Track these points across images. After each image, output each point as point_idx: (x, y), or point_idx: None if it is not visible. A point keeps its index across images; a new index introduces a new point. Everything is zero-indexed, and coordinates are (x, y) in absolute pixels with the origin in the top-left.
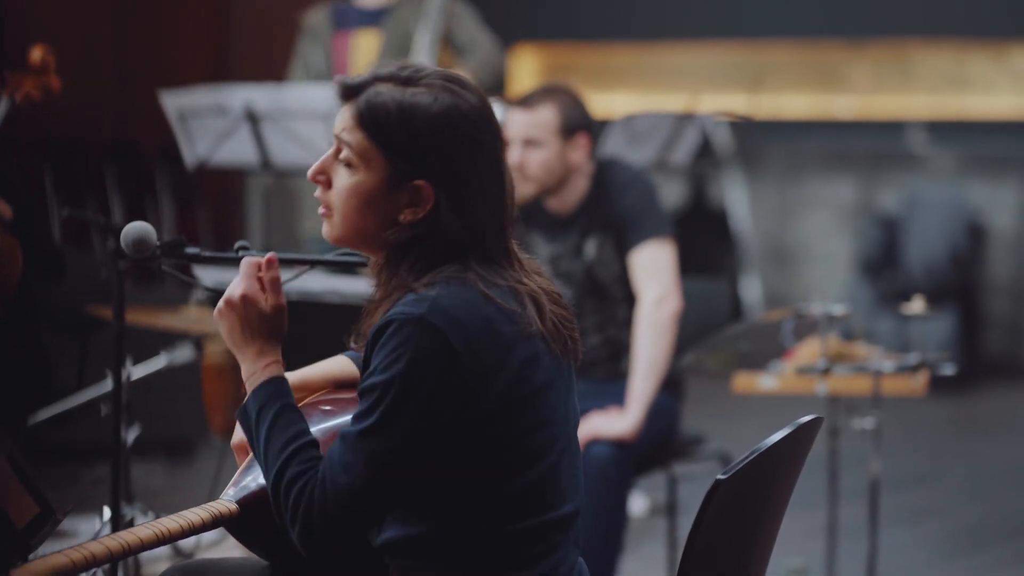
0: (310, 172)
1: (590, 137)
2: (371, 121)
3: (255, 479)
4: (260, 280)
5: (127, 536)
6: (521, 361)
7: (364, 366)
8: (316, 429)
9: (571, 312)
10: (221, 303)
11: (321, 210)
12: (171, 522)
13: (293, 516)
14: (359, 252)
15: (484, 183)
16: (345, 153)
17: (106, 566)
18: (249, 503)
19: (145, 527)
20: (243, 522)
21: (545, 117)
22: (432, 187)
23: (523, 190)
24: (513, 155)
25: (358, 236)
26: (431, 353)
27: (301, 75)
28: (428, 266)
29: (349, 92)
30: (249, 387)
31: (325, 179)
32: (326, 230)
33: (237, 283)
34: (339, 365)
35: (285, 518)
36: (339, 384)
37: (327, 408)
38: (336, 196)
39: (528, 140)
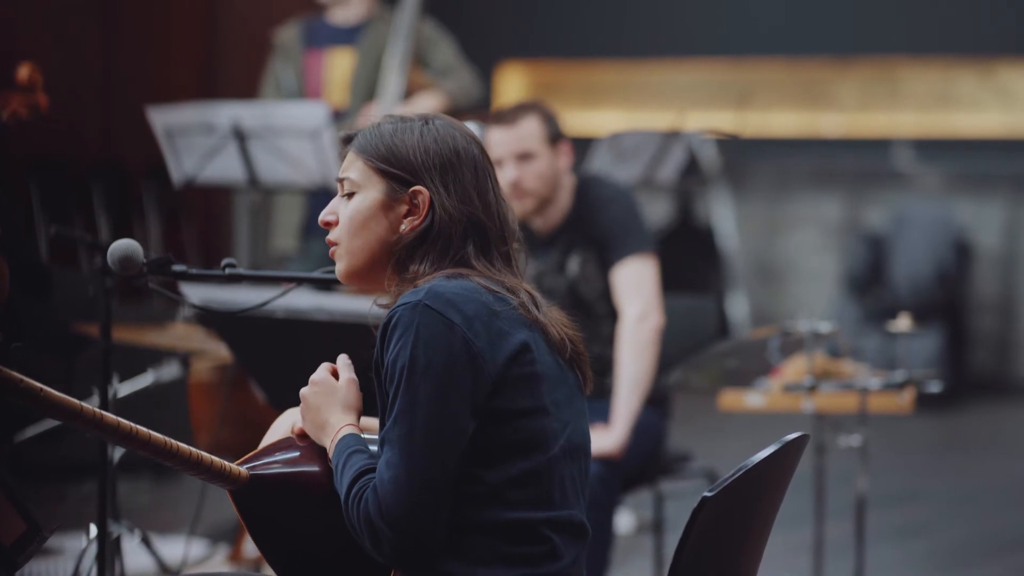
0: (322, 216)
1: (570, 144)
2: (367, 146)
3: (271, 460)
4: (334, 371)
5: (140, 427)
6: (518, 344)
7: (375, 365)
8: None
9: (573, 328)
10: (302, 403)
11: (331, 250)
12: (183, 445)
13: (361, 531)
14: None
15: (481, 188)
16: (348, 185)
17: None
18: (261, 476)
19: (160, 435)
20: (250, 494)
21: (531, 128)
22: (428, 190)
23: (523, 207)
24: (508, 173)
25: (366, 259)
26: (434, 331)
27: (272, 93)
28: (434, 263)
29: (349, 139)
30: (331, 452)
31: (335, 219)
32: (338, 267)
33: (319, 372)
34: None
35: (362, 539)
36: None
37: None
38: (342, 226)
39: (520, 155)
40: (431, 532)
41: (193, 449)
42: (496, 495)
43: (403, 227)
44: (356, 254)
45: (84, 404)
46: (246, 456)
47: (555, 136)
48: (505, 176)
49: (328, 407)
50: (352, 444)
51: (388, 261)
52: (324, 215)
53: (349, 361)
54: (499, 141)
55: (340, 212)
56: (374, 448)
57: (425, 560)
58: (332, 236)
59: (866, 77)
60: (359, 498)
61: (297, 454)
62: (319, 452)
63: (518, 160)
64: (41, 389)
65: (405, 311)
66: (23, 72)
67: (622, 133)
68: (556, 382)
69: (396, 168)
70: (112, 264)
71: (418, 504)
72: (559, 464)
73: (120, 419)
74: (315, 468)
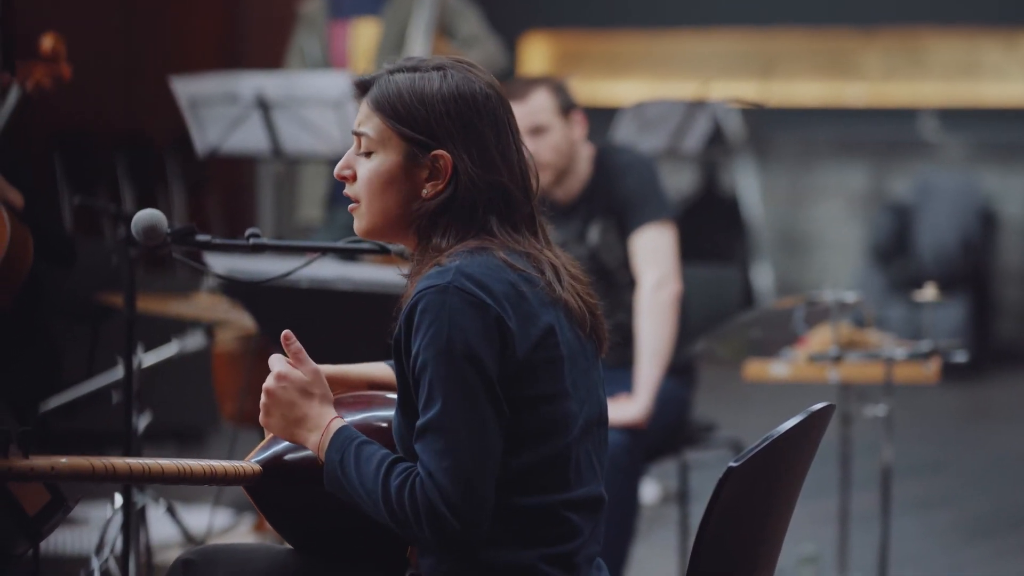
0: (336, 169)
1: (582, 113)
2: (385, 104)
3: (281, 448)
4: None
5: (150, 462)
6: (544, 327)
7: (395, 344)
8: (347, 420)
9: (591, 288)
10: (263, 397)
11: (351, 206)
12: (195, 463)
13: (419, 522)
14: (391, 242)
15: (501, 145)
16: (364, 142)
17: (117, 552)
18: (273, 468)
19: (169, 461)
20: (264, 487)
21: (541, 101)
22: (450, 155)
23: (541, 179)
24: None
25: (386, 220)
26: (466, 313)
27: (298, 64)
28: (458, 232)
29: (363, 87)
30: (322, 452)
31: (351, 173)
32: (356, 224)
33: (269, 375)
34: (378, 369)
35: (414, 530)
36: (374, 385)
37: (359, 401)
38: (361, 185)
39: (534, 129)
40: (488, 516)
41: (204, 464)
42: (515, 481)
43: (425, 191)
44: (377, 215)
45: (94, 460)
46: (255, 449)
47: (567, 107)
48: None
49: (303, 401)
50: (354, 435)
51: (409, 223)
52: (340, 168)
53: (300, 347)
54: None
55: (357, 168)
56: (386, 413)
57: (484, 537)
58: (351, 191)
59: (891, 46)
60: (408, 490)
61: None
62: None
63: (531, 134)
64: (52, 467)
65: (434, 295)
66: (47, 42)
67: (646, 103)
68: (576, 358)
69: (416, 131)
70: (136, 234)
71: (477, 490)
72: (577, 445)
73: (130, 461)
74: None
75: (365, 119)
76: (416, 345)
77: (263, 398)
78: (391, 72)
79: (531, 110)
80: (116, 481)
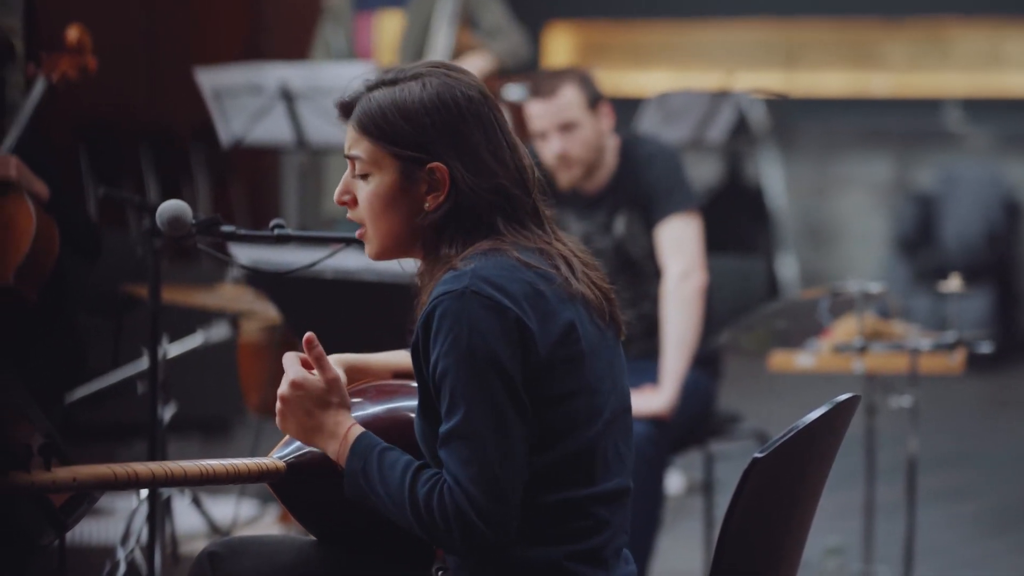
0: (336, 195)
1: (609, 104)
2: (370, 125)
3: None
4: (305, 362)
5: (172, 466)
6: (565, 324)
7: (414, 352)
8: (370, 411)
9: (604, 274)
10: (278, 403)
11: (359, 232)
12: (217, 464)
13: (448, 529)
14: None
15: (494, 148)
16: (359, 166)
17: (143, 543)
18: (296, 464)
19: (191, 463)
20: (288, 483)
21: (570, 97)
22: (445, 165)
23: (571, 176)
24: (552, 145)
25: (393, 240)
26: (484, 318)
27: (323, 56)
28: (465, 239)
29: (346, 109)
30: (343, 460)
31: (351, 198)
32: (367, 249)
33: (284, 378)
34: (400, 356)
35: (443, 536)
36: (398, 375)
37: (382, 391)
38: (363, 209)
39: (563, 125)
40: (516, 519)
41: (227, 463)
42: (542, 478)
43: (427, 205)
44: (384, 236)
45: (115, 468)
46: (279, 443)
47: (594, 100)
48: (550, 148)
49: (319, 411)
50: (374, 443)
51: (417, 237)
52: (339, 195)
53: (322, 352)
54: (539, 114)
55: (356, 192)
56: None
57: (502, 543)
58: (354, 216)
59: (915, 37)
60: (436, 496)
61: None
62: None
63: (561, 131)
64: (74, 478)
65: (451, 301)
66: (72, 34)
67: (670, 93)
68: (598, 351)
69: (405, 148)
70: (161, 225)
71: (505, 495)
72: (603, 438)
73: (152, 466)
74: None
75: (354, 142)
76: (435, 352)
77: (278, 404)
78: (370, 89)
79: (560, 107)
80: (139, 487)
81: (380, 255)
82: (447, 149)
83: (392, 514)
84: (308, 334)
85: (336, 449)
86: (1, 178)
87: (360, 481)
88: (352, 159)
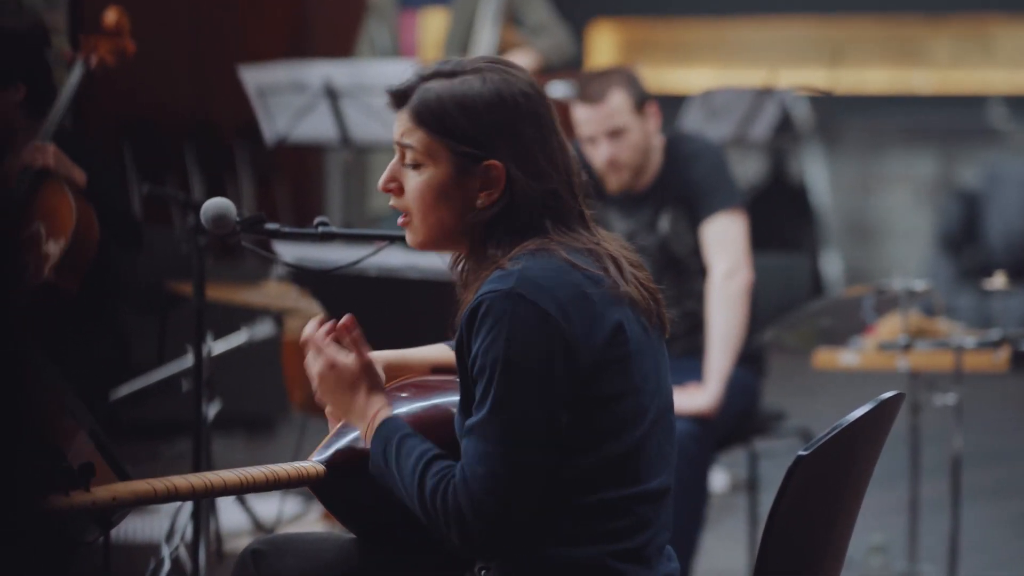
0: (380, 183)
1: (655, 103)
2: (428, 117)
3: (343, 444)
4: (341, 343)
5: (212, 476)
6: (611, 326)
7: (458, 348)
8: (411, 408)
9: (649, 275)
10: (315, 383)
11: (401, 220)
12: (257, 471)
13: (447, 524)
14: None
15: (548, 150)
16: (410, 155)
17: (187, 540)
18: (336, 466)
19: (231, 472)
20: (329, 485)
21: (617, 103)
22: (502, 164)
23: (619, 179)
24: (601, 151)
25: (441, 233)
26: (527, 323)
27: (367, 54)
28: (513, 240)
29: (400, 97)
30: (369, 441)
31: (396, 186)
32: (409, 238)
33: (319, 357)
34: (438, 351)
35: (443, 530)
36: (436, 369)
37: (422, 388)
38: (411, 199)
39: (611, 132)
40: (522, 525)
41: (267, 470)
42: (587, 478)
43: (479, 201)
44: (432, 228)
45: (155, 483)
46: (320, 445)
47: (641, 101)
48: (600, 154)
49: (350, 391)
50: (398, 428)
51: (464, 233)
52: (384, 182)
53: (360, 334)
54: (587, 119)
55: (404, 181)
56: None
57: (511, 549)
58: (398, 204)
59: (959, 34)
60: (441, 490)
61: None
62: None
63: (610, 137)
64: (114, 497)
65: (496, 300)
66: (110, 16)
67: (714, 91)
68: (644, 351)
69: (463, 143)
70: (205, 223)
71: (513, 500)
72: (647, 439)
73: (191, 479)
74: None
75: (408, 131)
76: (475, 347)
77: (315, 383)
78: (426, 79)
79: (608, 113)
80: (179, 500)
81: (423, 246)
82: (504, 147)
83: (406, 500)
84: (347, 316)
85: (364, 430)
86: (39, 167)
87: (380, 463)
88: (403, 147)
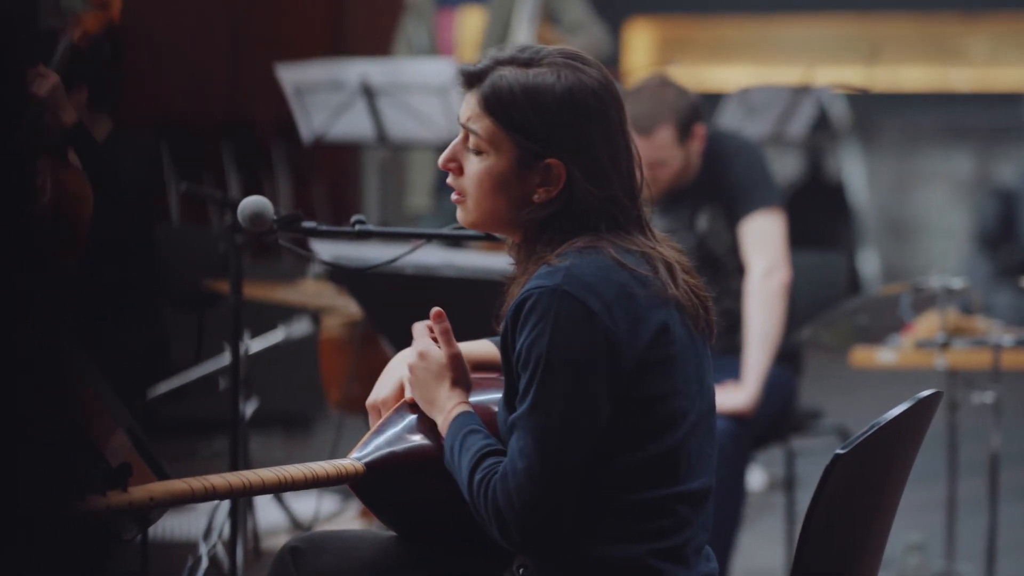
0: (441, 160)
1: (703, 123)
2: (497, 106)
3: (383, 441)
4: (432, 334)
5: (250, 475)
6: (656, 327)
7: (502, 342)
8: None
9: (703, 282)
10: (407, 372)
11: (455, 196)
12: (295, 470)
13: (490, 519)
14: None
15: (614, 154)
16: (473, 140)
17: (225, 539)
18: (375, 464)
19: (269, 471)
20: (368, 483)
21: (664, 138)
22: (563, 164)
23: (653, 193)
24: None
25: (493, 219)
26: (572, 320)
27: (405, 53)
28: (564, 239)
29: (472, 79)
30: (443, 431)
31: (456, 166)
32: (461, 215)
33: (413, 346)
34: (480, 347)
35: (488, 526)
36: (479, 366)
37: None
38: (469, 182)
39: (655, 163)
40: (559, 522)
41: (305, 468)
42: (627, 477)
43: (536, 196)
44: (486, 213)
45: (192, 482)
46: (359, 443)
47: (687, 128)
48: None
49: (435, 383)
50: (466, 423)
51: (517, 222)
52: (444, 160)
53: (448, 327)
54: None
55: (464, 163)
56: (491, 395)
57: (549, 545)
58: (455, 183)
59: (996, 31)
60: (485, 484)
61: (404, 429)
62: (428, 422)
63: (652, 166)
64: (151, 497)
65: (543, 295)
66: None
67: (751, 88)
68: (687, 353)
69: (528, 138)
70: (242, 221)
71: (550, 496)
72: (688, 439)
73: (229, 477)
74: (426, 441)
75: (475, 117)
76: (520, 343)
77: (407, 372)
78: (502, 64)
79: (655, 147)
80: (217, 499)
81: (473, 225)
82: (568, 147)
83: (465, 496)
84: (436, 309)
85: (442, 424)
86: (38, 95)
87: (450, 458)
88: (468, 131)
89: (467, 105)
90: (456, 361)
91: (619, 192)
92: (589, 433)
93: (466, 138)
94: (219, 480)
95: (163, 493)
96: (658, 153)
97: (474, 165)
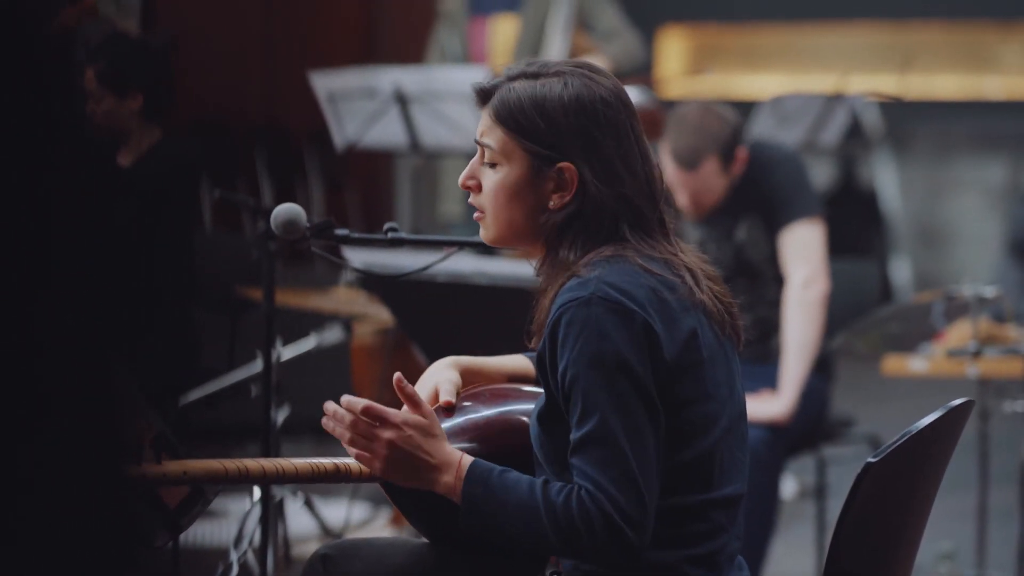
0: (461, 179)
1: (743, 147)
2: (507, 116)
3: None
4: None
5: (283, 462)
6: (687, 331)
7: (539, 360)
8: (484, 414)
9: (727, 289)
10: (384, 451)
11: (476, 214)
12: (328, 461)
13: (591, 533)
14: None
15: (627, 158)
16: (488, 153)
17: (256, 545)
18: None
19: (302, 460)
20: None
21: (708, 172)
22: (575, 167)
23: (695, 216)
24: (680, 199)
25: (513, 231)
26: (612, 323)
27: (438, 61)
28: (586, 244)
29: (484, 96)
30: (458, 488)
31: (475, 183)
32: (482, 232)
33: (384, 425)
34: (515, 361)
35: (584, 542)
36: (512, 379)
37: (496, 395)
38: (486, 196)
39: (697, 193)
40: (652, 524)
41: (338, 461)
42: (662, 482)
43: (551, 203)
44: (503, 226)
45: (226, 462)
46: None
47: (730, 156)
48: (680, 199)
49: (429, 443)
50: (491, 466)
51: (537, 233)
52: (464, 179)
53: (414, 391)
54: (676, 178)
55: (482, 179)
56: (524, 406)
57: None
58: (476, 202)
59: None
60: (574, 503)
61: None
62: (459, 426)
63: (697, 194)
64: (184, 471)
65: (577, 309)
66: None
67: (784, 96)
68: (716, 358)
69: (538, 144)
70: (275, 228)
71: (644, 497)
72: (720, 445)
73: (263, 462)
74: (459, 444)
75: (488, 130)
76: (564, 360)
77: (383, 451)
78: (511, 79)
79: (699, 178)
80: (249, 483)
81: (496, 241)
82: (579, 151)
83: (517, 534)
84: (396, 375)
85: (450, 480)
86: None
87: (480, 505)
88: (482, 146)
89: (481, 121)
90: (434, 418)
91: (635, 193)
92: (657, 427)
93: (483, 154)
94: (253, 463)
95: (197, 469)
96: (704, 184)
97: (490, 179)
